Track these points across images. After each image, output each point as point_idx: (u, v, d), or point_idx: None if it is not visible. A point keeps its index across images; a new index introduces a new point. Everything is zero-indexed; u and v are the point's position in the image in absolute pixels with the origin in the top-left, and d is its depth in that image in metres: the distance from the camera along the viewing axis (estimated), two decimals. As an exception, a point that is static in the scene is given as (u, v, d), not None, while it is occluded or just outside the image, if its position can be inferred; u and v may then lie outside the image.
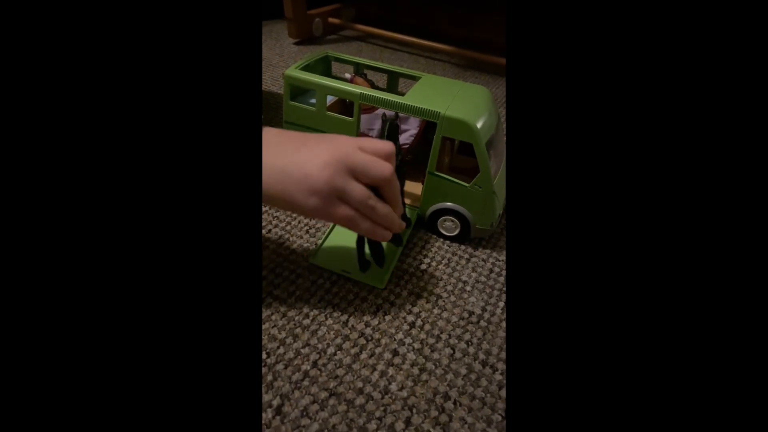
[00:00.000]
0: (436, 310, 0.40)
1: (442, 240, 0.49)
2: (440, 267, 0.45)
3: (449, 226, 0.48)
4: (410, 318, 0.39)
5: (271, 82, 0.85)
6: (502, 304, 0.42)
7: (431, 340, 0.37)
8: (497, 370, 0.35)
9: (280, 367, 0.34)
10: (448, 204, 0.46)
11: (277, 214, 0.50)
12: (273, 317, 0.38)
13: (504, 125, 0.75)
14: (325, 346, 0.36)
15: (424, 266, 0.45)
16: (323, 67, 0.56)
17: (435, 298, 0.42)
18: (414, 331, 0.38)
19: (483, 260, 0.47)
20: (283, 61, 0.95)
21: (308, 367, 0.34)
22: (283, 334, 0.37)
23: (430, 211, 0.48)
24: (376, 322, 0.39)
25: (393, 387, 0.33)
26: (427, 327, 0.39)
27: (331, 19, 1.10)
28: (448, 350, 0.37)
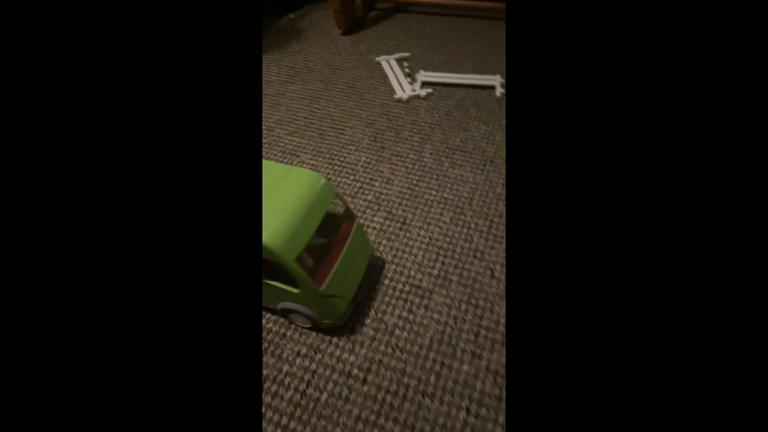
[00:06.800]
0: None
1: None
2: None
3: (304, 320, 0.44)
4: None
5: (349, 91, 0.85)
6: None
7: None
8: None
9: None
10: (290, 304, 0.43)
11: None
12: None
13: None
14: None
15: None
16: None
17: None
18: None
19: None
20: (340, 59, 0.91)
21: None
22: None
23: (280, 308, 0.44)
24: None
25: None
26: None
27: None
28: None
